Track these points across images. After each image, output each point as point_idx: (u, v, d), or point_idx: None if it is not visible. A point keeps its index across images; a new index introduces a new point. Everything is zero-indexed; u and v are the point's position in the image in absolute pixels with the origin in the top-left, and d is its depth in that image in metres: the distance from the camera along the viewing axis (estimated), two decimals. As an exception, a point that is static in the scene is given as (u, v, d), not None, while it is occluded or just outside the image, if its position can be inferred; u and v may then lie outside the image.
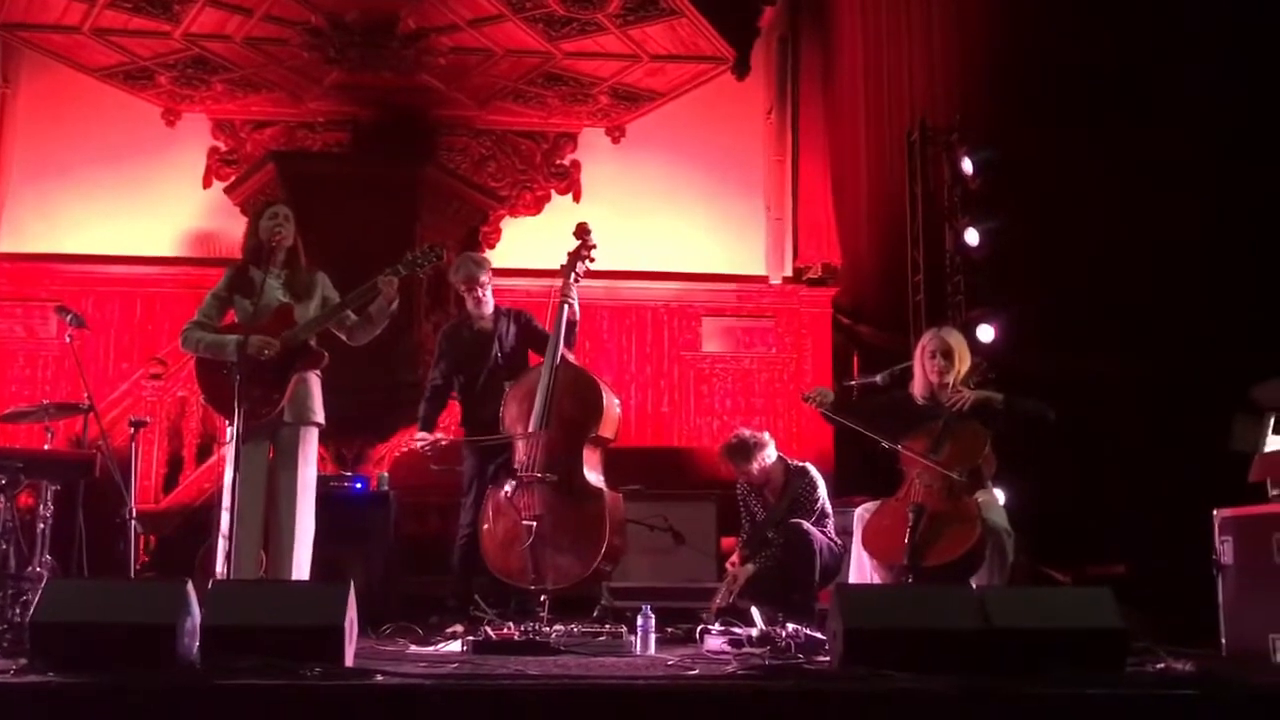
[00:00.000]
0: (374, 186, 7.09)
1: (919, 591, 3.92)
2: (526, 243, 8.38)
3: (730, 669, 3.56)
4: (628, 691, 3.27)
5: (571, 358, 5.39)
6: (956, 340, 4.65)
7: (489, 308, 5.49)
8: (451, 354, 5.50)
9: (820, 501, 5.47)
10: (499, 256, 8.30)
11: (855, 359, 8.48)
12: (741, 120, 8.78)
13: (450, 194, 7.55)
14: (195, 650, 3.41)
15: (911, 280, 6.93)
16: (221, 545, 4.31)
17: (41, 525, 5.46)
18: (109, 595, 3.53)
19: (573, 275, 5.39)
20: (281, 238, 4.65)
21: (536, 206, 8.57)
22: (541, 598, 4.99)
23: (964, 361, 4.61)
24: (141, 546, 6.65)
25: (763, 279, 8.70)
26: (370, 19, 7.24)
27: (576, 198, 8.64)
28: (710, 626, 4.56)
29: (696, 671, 3.60)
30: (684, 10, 7.12)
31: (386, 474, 6.40)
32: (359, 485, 6.05)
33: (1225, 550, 4.62)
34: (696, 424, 8.48)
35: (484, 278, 5.46)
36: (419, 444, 5.38)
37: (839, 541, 5.37)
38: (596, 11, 7.14)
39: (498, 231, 8.42)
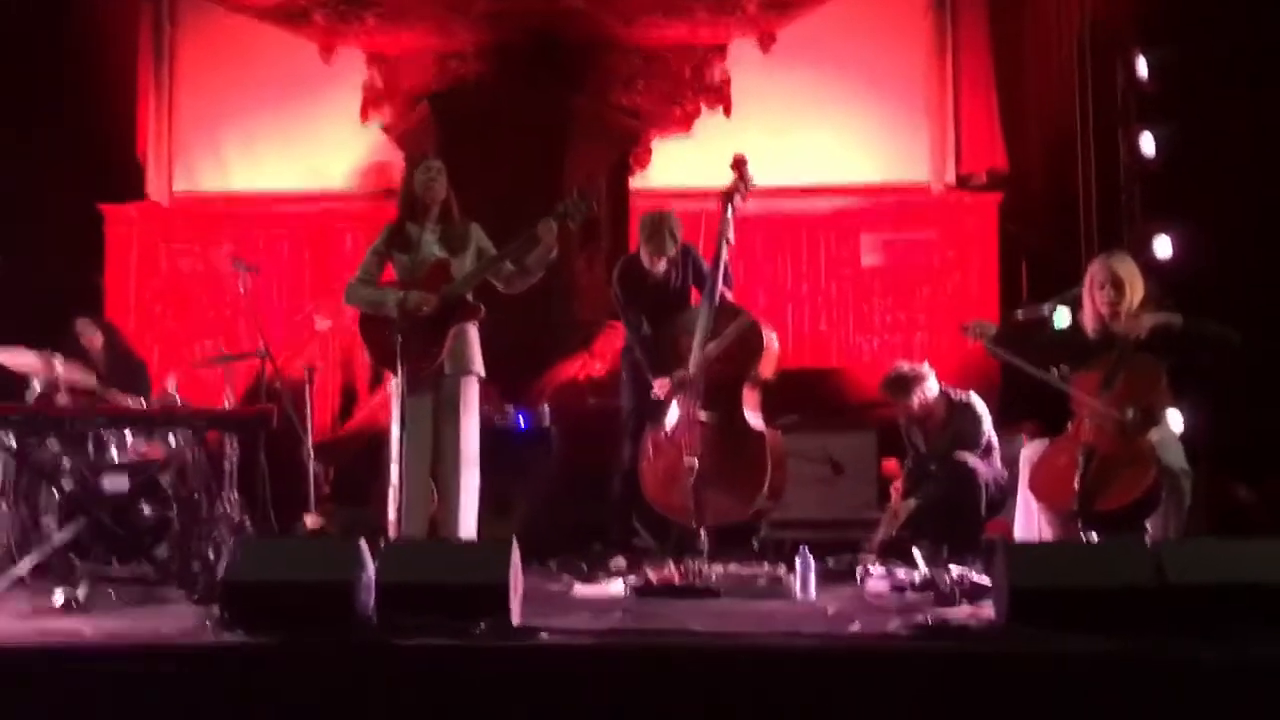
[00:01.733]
0: (524, 120, 7.10)
1: (1088, 547, 3.80)
2: (678, 161, 8.25)
3: (891, 626, 3.53)
4: (789, 654, 3.30)
5: (730, 296, 5.35)
6: (1126, 268, 4.39)
7: (664, 266, 5.42)
8: (638, 300, 5.47)
9: (986, 434, 5.33)
10: (651, 176, 8.29)
11: (1024, 269, 8.16)
12: (899, 20, 8.39)
13: (599, 121, 7.51)
14: (371, 606, 3.57)
15: (1083, 192, 6.57)
16: (392, 498, 4.48)
17: (228, 465, 5.80)
18: (293, 552, 3.73)
19: (729, 211, 5.32)
20: (435, 193, 4.72)
21: (687, 123, 8.41)
22: (701, 534, 5.07)
23: (1135, 290, 4.36)
24: (324, 476, 6.97)
25: (924, 188, 8.39)
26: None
27: (728, 112, 8.44)
28: (871, 567, 4.53)
29: (857, 627, 3.59)
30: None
31: (547, 407, 6.51)
32: (521, 420, 6.18)
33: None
34: (856, 342, 8.32)
35: (667, 251, 5.33)
36: (660, 391, 5.31)
37: (1005, 473, 5.25)
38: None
39: (648, 151, 8.32)
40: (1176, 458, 4.23)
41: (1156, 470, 4.08)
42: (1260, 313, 5.71)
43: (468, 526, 4.64)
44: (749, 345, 5.19)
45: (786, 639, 3.43)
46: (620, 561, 5.25)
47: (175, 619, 3.76)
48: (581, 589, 4.55)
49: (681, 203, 7.34)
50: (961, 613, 3.83)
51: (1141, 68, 6.09)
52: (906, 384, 5.28)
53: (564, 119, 7.12)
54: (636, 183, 8.09)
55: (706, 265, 5.34)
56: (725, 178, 5.46)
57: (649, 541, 5.66)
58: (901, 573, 4.45)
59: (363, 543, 3.66)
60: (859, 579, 4.48)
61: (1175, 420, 4.42)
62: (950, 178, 8.35)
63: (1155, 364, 4.24)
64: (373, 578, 3.56)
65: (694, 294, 5.48)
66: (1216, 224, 5.86)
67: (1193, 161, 5.98)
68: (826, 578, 4.72)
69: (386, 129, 7.92)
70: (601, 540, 5.62)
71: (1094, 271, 4.46)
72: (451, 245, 4.75)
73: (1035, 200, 8.08)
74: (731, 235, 5.28)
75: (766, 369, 5.25)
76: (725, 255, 5.24)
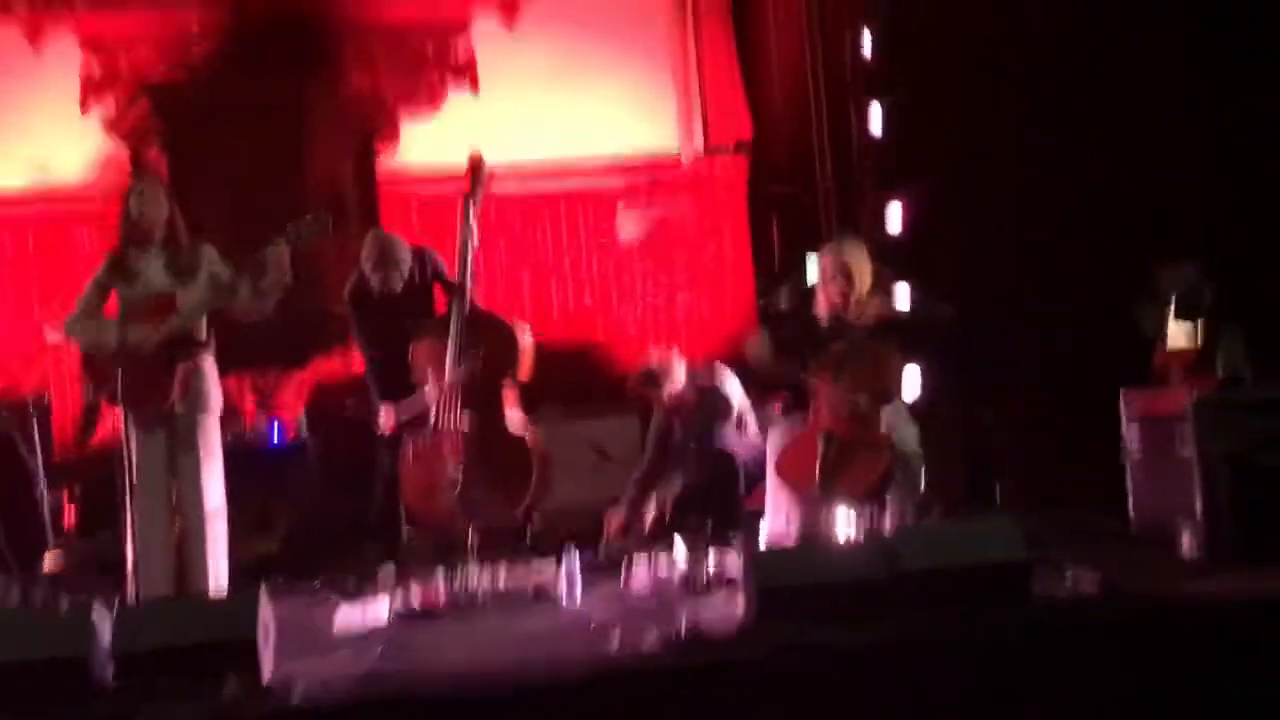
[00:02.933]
0: (257, 109, 6.77)
1: (826, 545, 3.98)
2: (429, 140, 8.07)
3: (648, 639, 3.60)
4: (550, 687, 3.33)
5: (477, 299, 5.30)
6: (855, 256, 4.59)
7: (398, 287, 5.31)
8: (365, 318, 5.36)
9: (736, 408, 5.49)
10: (402, 156, 8.07)
11: (775, 226, 8.40)
12: (640, -9, 8.42)
13: (337, 105, 7.22)
14: (109, 678, 3.40)
15: (818, 163, 6.80)
16: (129, 549, 4.25)
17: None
18: (14, 628, 3.49)
19: (472, 214, 5.26)
20: (151, 216, 4.44)
21: (434, 102, 8.21)
22: (469, 537, 5.05)
23: (864, 278, 4.56)
24: (68, 498, 6.56)
25: (675, 159, 8.50)
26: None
27: (475, 89, 8.30)
28: (636, 558, 4.61)
29: (615, 643, 3.65)
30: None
31: (305, 416, 6.32)
32: (275, 434, 5.97)
33: (1132, 438, 4.72)
34: (621, 313, 8.39)
35: (398, 275, 5.26)
36: (384, 429, 5.24)
37: (762, 443, 5.43)
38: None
39: (396, 132, 8.09)
40: (910, 439, 4.48)
41: (890, 453, 4.31)
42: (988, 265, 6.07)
43: (218, 582, 4.43)
44: (503, 345, 5.17)
45: (548, 668, 3.45)
46: (389, 570, 5.19)
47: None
48: (344, 614, 4.45)
49: (434, 187, 7.30)
50: (715, 606, 3.94)
51: (866, 43, 6.30)
52: (654, 378, 5.38)
53: (298, 105, 6.84)
54: (387, 164, 7.88)
55: (446, 270, 5.30)
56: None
57: (420, 542, 5.62)
58: (663, 563, 4.55)
59: (95, 611, 3.47)
60: (622, 570, 4.55)
61: (909, 392, 4.65)
62: (699, 147, 8.48)
63: (884, 350, 4.47)
64: (108, 647, 3.38)
65: (438, 294, 5.41)
66: (943, 193, 6.15)
67: (919, 134, 6.25)
68: (595, 570, 4.80)
69: (107, 124, 7.40)
70: (372, 541, 5.56)
71: (825, 263, 4.64)
72: (179, 272, 4.48)
73: (780, 170, 8.32)
74: (475, 239, 5.22)
75: (524, 371, 5.25)
76: (470, 259, 5.18)
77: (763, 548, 4.50)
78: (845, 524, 4.35)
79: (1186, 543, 4.30)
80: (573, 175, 8.28)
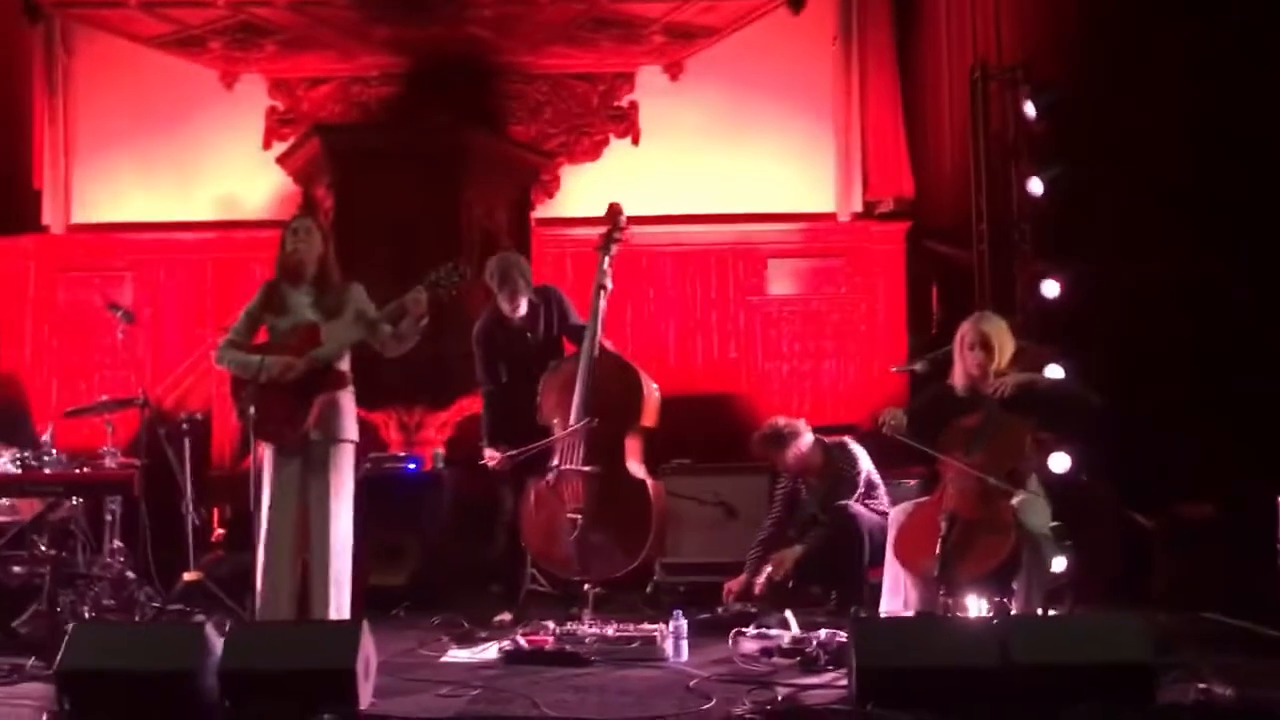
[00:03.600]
0: (418, 154, 6.99)
1: (936, 624, 3.81)
2: (587, 189, 8.21)
3: (739, 709, 3.52)
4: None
5: (609, 345, 5.33)
6: (995, 328, 4.42)
7: (524, 308, 5.42)
8: (491, 355, 5.47)
9: (863, 474, 5.36)
10: (560, 205, 8.25)
11: (934, 291, 8.21)
12: (806, 49, 8.39)
13: (497, 153, 7.43)
14: (216, 693, 3.51)
15: (975, 229, 6.61)
16: (259, 578, 4.40)
17: (109, 516, 5.69)
18: (132, 639, 3.64)
19: (607, 260, 5.32)
20: (304, 254, 4.62)
21: (595, 152, 8.38)
22: (586, 588, 5.05)
23: (1004, 351, 4.39)
24: (216, 519, 6.85)
25: (831, 216, 8.42)
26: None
27: (635, 140, 8.42)
28: (745, 629, 4.52)
29: (709, 705, 3.58)
30: (731, -54, 6.78)
31: (442, 451, 6.46)
32: (412, 466, 6.11)
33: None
34: (764, 369, 8.33)
35: (522, 291, 5.37)
36: (490, 463, 5.34)
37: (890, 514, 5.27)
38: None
39: (556, 180, 8.27)
40: (1041, 521, 4.26)
41: (1016, 537, 4.11)
42: (1142, 346, 5.81)
43: (340, 610, 4.52)
44: (630, 393, 5.18)
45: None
46: (505, 616, 5.24)
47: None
48: (452, 654, 4.50)
49: (589, 230, 7.41)
50: (821, 680, 3.83)
51: (1029, 108, 6.12)
52: (781, 438, 5.30)
53: (460, 152, 7.03)
54: (545, 212, 8.06)
55: (572, 312, 5.36)
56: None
57: (548, 588, 5.66)
58: (775, 631, 4.45)
59: (209, 628, 3.59)
60: (731, 640, 4.46)
61: (1036, 483, 4.42)
62: (857, 205, 8.39)
63: (1020, 425, 4.28)
64: (216, 665, 3.49)
65: (565, 343, 5.47)
66: (1100, 263, 5.91)
67: (1080, 202, 6.02)
68: (709, 629, 4.74)
69: (280, 160, 7.79)
70: (499, 582, 5.63)
71: (964, 332, 4.49)
72: (326, 308, 4.63)
73: (946, 223, 8.13)
74: (609, 283, 5.27)
75: (649, 419, 5.25)
76: (603, 304, 5.22)
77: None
78: (968, 608, 4.17)
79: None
80: (725, 224, 8.31)
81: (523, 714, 3.54)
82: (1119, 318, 5.81)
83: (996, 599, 4.21)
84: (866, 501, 5.34)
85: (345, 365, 4.73)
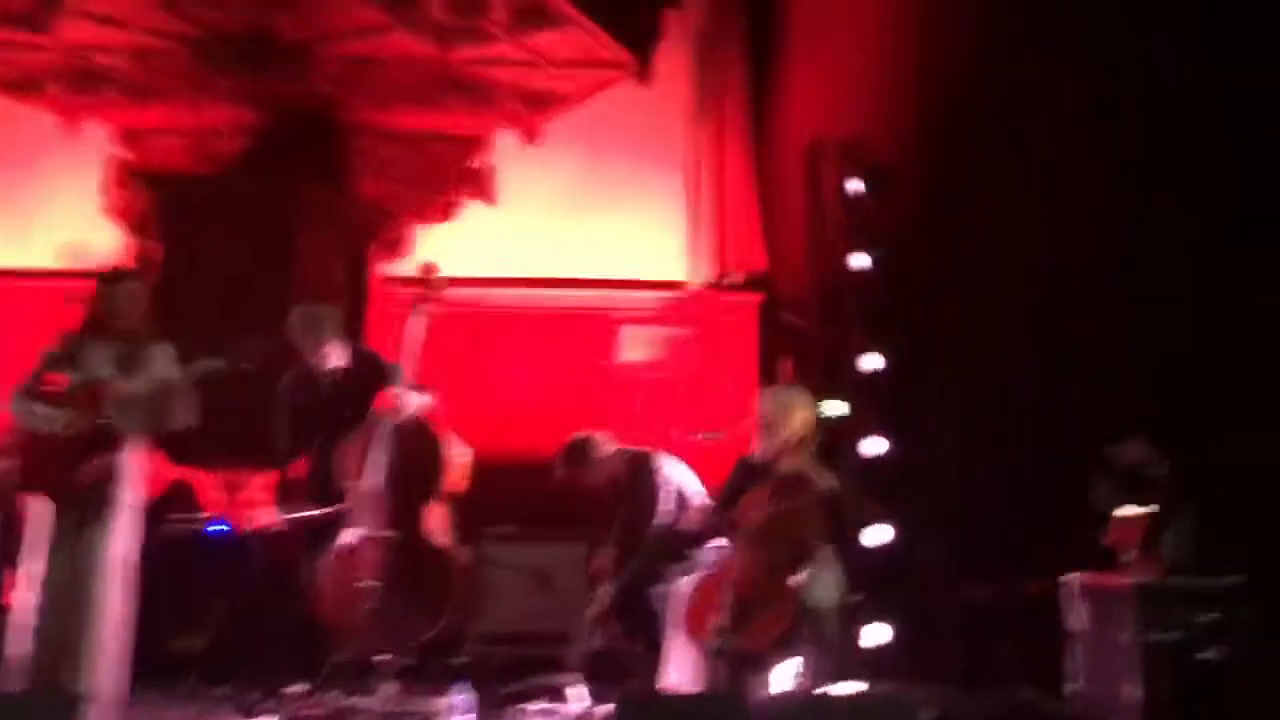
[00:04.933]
0: (250, 207, 6.85)
1: (704, 703, 3.72)
2: (441, 249, 8.12)
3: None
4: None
5: (417, 407, 5.19)
6: (779, 403, 4.42)
7: (333, 360, 5.28)
8: (297, 413, 5.31)
9: (672, 483, 5.22)
10: (407, 266, 8.12)
11: (789, 364, 8.23)
12: (663, 119, 8.46)
13: (333, 211, 7.30)
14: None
15: (807, 302, 6.67)
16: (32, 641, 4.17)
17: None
18: None
19: (418, 321, 5.22)
20: (115, 310, 4.47)
21: (446, 213, 8.31)
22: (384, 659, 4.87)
23: (788, 427, 4.36)
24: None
25: (683, 285, 8.44)
26: (249, 30, 6.97)
27: (491, 202, 8.38)
28: (528, 706, 4.37)
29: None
30: (574, 19, 6.82)
31: (253, 514, 6.23)
32: (215, 528, 5.88)
33: (1077, 619, 4.43)
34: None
35: (329, 342, 5.24)
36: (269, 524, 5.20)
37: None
38: (482, 19, 6.85)
39: (403, 240, 8.17)
40: (825, 596, 4.21)
41: (796, 611, 4.05)
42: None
43: (114, 678, 4.29)
44: (430, 458, 5.05)
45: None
46: (299, 687, 5.03)
47: None
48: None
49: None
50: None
51: (855, 185, 6.21)
52: (580, 450, 5.20)
53: (293, 206, 6.91)
54: (387, 271, 7.93)
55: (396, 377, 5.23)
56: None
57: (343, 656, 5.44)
58: (558, 706, 4.32)
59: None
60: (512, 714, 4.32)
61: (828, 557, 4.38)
62: (710, 275, 8.41)
63: (807, 506, 4.24)
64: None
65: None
66: (923, 339, 5.97)
67: (903, 280, 6.10)
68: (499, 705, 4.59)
69: (110, 210, 7.57)
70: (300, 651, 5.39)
71: (759, 406, 4.47)
72: (124, 366, 4.46)
73: (794, 302, 8.18)
74: (418, 346, 5.16)
75: (453, 485, 5.12)
76: (406, 366, 5.10)
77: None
78: (764, 682, 4.08)
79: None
80: (580, 292, 8.26)
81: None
82: (932, 398, 5.85)
83: (799, 674, 4.13)
84: (680, 515, 5.17)
85: (135, 425, 4.53)
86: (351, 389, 5.30)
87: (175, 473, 6.56)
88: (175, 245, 6.82)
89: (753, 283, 8.40)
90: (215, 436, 6.17)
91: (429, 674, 5.35)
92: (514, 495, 6.48)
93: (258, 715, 4.48)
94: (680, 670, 4.21)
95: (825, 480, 4.28)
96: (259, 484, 7.02)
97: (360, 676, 5.03)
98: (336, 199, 7.37)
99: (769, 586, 4.10)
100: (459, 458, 5.11)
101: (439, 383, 7.85)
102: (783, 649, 4.05)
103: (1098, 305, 5.06)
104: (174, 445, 6.32)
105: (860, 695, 3.89)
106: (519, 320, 8.19)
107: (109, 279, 4.62)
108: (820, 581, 4.20)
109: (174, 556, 5.79)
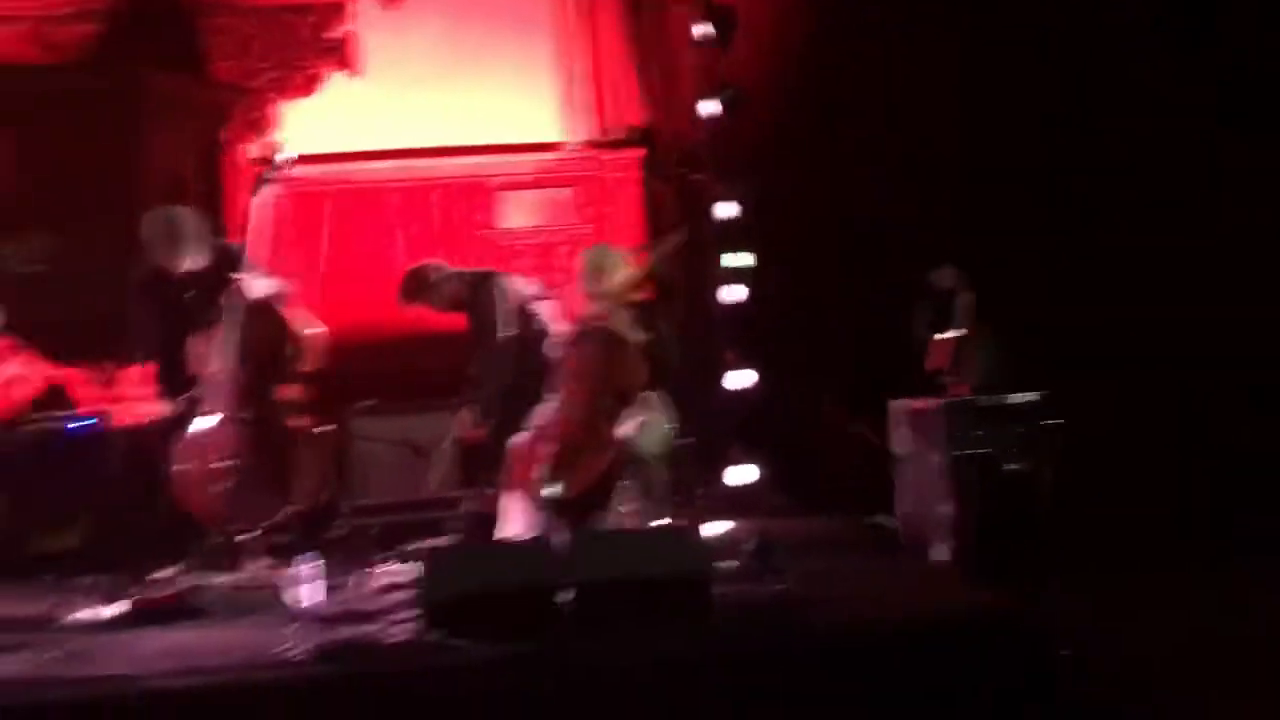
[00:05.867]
0: (92, 97, 6.64)
1: (504, 550, 3.84)
2: (307, 125, 7.95)
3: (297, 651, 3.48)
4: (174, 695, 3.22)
5: (265, 290, 5.15)
6: (591, 257, 4.47)
7: (187, 266, 5.21)
8: (162, 308, 5.28)
9: (512, 299, 5.25)
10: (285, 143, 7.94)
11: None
12: (533, -25, 8.26)
13: (180, 97, 7.07)
14: None
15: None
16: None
17: None
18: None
19: (256, 199, 5.19)
20: None
21: (308, 87, 8.08)
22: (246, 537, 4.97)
23: (602, 284, 4.41)
24: None
25: (560, 145, 8.33)
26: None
27: (354, 72, 8.16)
28: (372, 568, 4.49)
29: (282, 650, 3.53)
30: None
31: (110, 410, 6.22)
32: (75, 425, 5.88)
33: (900, 443, 4.57)
34: (499, 305, 8.24)
35: (183, 250, 5.14)
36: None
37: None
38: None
39: (269, 117, 7.97)
40: (650, 443, 4.32)
41: (615, 457, 4.15)
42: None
43: None
44: (280, 338, 5.06)
45: (182, 678, 3.34)
46: (167, 571, 5.10)
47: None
48: (76, 615, 4.37)
49: (310, 167, 7.18)
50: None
51: (700, 30, 6.14)
52: (419, 278, 5.24)
53: (136, 94, 6.69)
54: (249, 152, 7.75)
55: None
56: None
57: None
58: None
59: None
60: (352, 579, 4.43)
61: (657, 404, 4.47)
62: (587, 135, 8.30)
63: (623, 355, 4.30)
64: None
65: None
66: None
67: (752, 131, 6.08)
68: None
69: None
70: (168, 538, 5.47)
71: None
72: None
73: (675, 157, 8.11)
74: (255, 224, 5.12)
75: (305, 364, 5.14)
76: (250, 246, 5.08)
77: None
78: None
79: (940, 548, 4.14)
80: (455, 161, 8.13)
81: (79, 674, 3.44)
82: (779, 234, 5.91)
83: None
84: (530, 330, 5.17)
85: None
86: (209, 285, 5.25)
87: (51, 371, 6.55)
88: (14, 142, 6.63)
89: (633, 139, 8.30)
90: (82, 332, 6.23)
91: (300, 550, 5.49)
92: (395, 370, 6.52)
93: (117, 600, 4.54)
94: (514, 523, 4.33)
95: (638, 334, 4.34)
96: (132, 379, 7.02)
97: (229, 556, 5.15)
98: (188, 85, 7.14)
99: (586, 435, 4.20)
100: (311, 337, 5.12)
101: (315, 262, 7.86)
102: (603, 494, 4.15)
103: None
104: (43, 342, 6.41)
105: (652, 529, 4.01)
106: (394, 194, 8.06)
107: None
108: (645, 428, 4.30)
109: (39, 456, 5.82)
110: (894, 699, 3.28)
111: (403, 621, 3.67)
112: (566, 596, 3.41)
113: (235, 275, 5.11)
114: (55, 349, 6.38)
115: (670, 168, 8.05)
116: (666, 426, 4.42)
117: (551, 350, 4.67)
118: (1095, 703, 3.52)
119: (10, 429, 5.97)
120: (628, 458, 4.20)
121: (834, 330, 5.60)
